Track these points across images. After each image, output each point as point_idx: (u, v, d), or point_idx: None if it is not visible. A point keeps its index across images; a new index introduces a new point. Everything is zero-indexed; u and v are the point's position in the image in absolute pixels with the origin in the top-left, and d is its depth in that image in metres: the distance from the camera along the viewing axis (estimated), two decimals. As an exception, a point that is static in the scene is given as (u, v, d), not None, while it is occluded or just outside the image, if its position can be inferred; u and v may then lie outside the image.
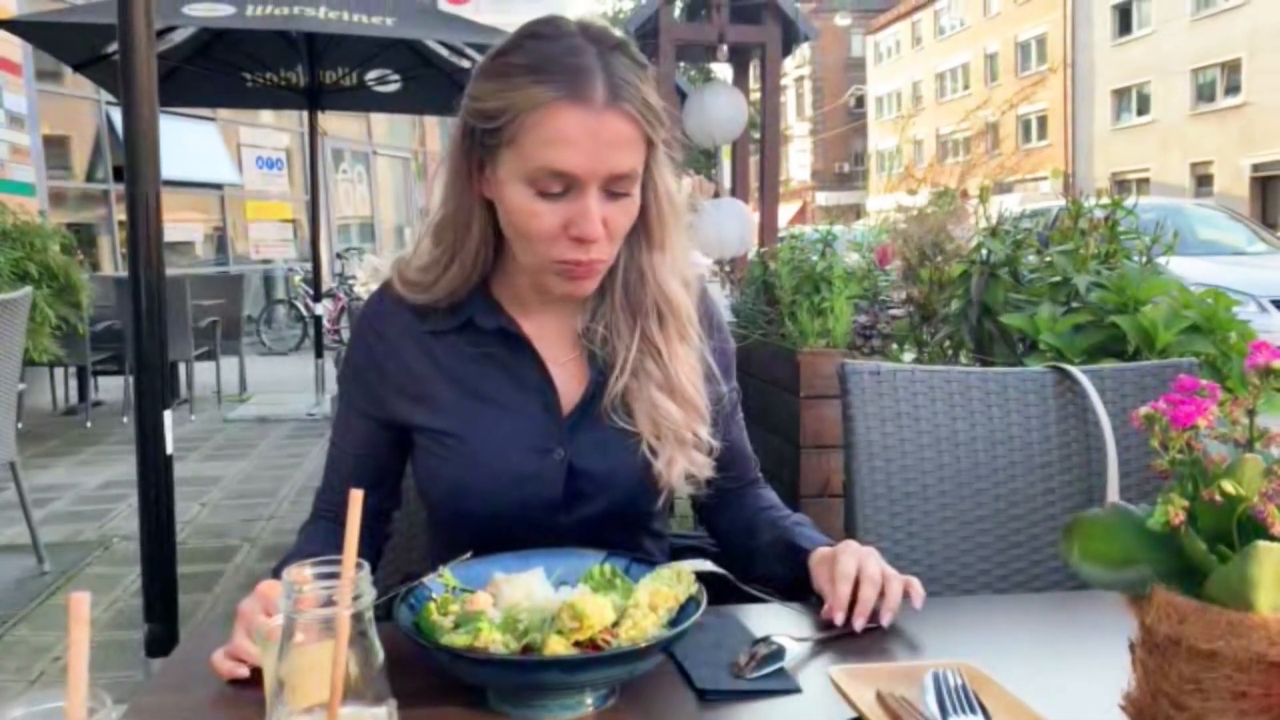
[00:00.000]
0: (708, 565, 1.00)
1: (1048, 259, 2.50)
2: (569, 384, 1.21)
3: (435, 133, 18.72)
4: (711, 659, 0.94)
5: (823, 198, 48.33)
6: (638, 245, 1.19)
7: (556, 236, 1.09)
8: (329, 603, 0.67)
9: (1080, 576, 0.76)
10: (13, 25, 6.03)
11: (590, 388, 1.20)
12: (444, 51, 6.13)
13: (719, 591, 1.02)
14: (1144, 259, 2.48)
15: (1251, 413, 0.73)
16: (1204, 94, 27.52)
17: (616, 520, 1.20)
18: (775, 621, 1.06)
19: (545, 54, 1.08)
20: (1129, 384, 1.48)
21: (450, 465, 1.17)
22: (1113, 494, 1.38)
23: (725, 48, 4.79)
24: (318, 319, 7.85)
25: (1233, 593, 0.67)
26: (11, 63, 8.27)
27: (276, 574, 1.03)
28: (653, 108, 1.11)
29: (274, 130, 14.40)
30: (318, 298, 7.94)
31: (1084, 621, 1.08)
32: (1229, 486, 0.69)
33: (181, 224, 12.57)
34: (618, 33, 1.14)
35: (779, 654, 0.94)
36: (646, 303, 1.19)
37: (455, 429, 1.17)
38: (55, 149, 10.33)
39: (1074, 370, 1.48)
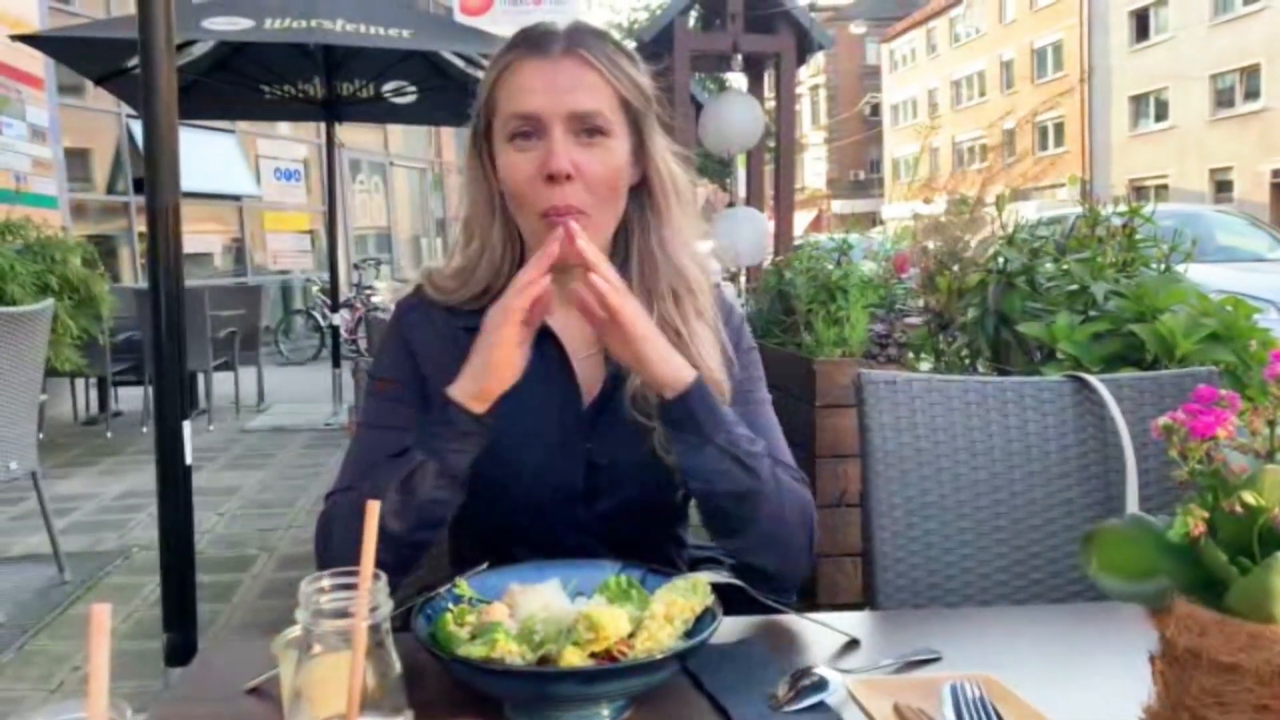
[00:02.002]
0: (724, 576, 1.00)
1: (1065, 267, 2.48)
2: (590, 378, 1.22)
3: (451, 144, 18.81)
4: (747, 692, 0.91)
5: (838, 206, 48.24)
6: (647, 226, 1.23)
7: (533, 181, 1.14)
8: (346, 614, 0.67)
9: (1099, 588, 0.75)
10: (35, 40, 6.10)
11: (610, 381, 1.21)
12: (460, 63, 6.17)
13: (736, 603, 1.01)
14: (1162, 266, 2.46)
15: (1272, 423, 0.73)
16: (1223, 100, 27.33)
17: (637, 515, 1.21)
18: (806, 645, 1.05)
19: (520, 34, 1.19)
20: (1148, 393, 1.47)
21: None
22: (1132, 505, 1.37)
23: (740, 57, 4.80)
24: (335, 329, 7.89)
25: (1254, 605, 0.66)
26: (34, 77, 8.36)
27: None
28: (623, 68, 1.18)
29: (292, 142, 14.50)
30: (335, 308, 7.99)
31: (1103, 633, 1.07)
32: (1249, 498, 0.69)
33: (200, 235, 12.67)
34: (605, 30, 1.23)
35: (820, 686, 0.91)
36: (661, 285, 1.21)
37: None
38: (77, 162, 10.44)
39: (1092, 379, 1.47)
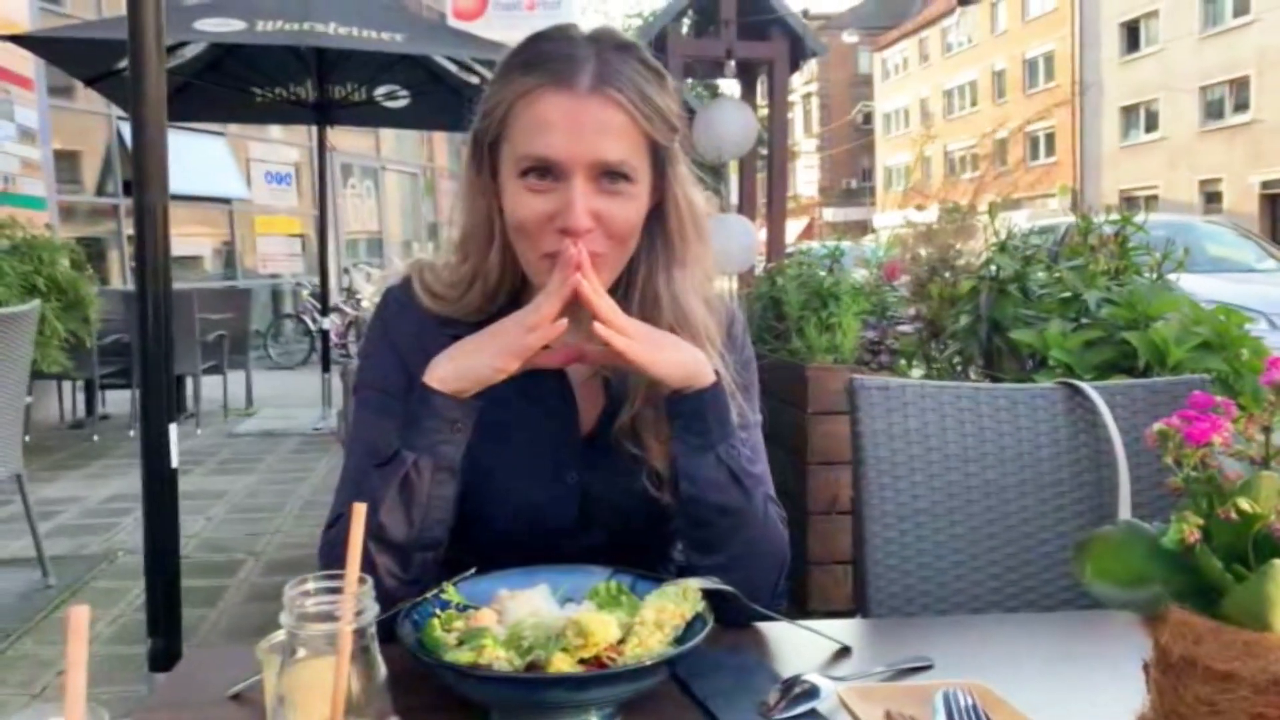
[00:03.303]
0: (715, 583, 0.99)
1: (1057, 275, 2.49)
2: (588, 405, 1.18)
3: (444, 148, 18.83)
4: (737, 699, 0.90)
5: (830, 214, 48.38)
6: (656, 261, 1.15)
7: (543, 228, 1.07)
8: (331, 618, 0.66)
9: (1093, 595, 0.75)
10: (25, 40, 6.07)
11: (606, 412, 1.17)
12: (453, 67, 6.16)
13: (727, 610, 1.00)
14: (1154, 275, 2.47)
15: (1268, 430, 0.72)
16: (1212, 111, 27.52)
17: (629, 547, 1.16)
18: (797, 652, 1.04)
19: (542, 50, 1.09)
20: (1140, 401, 1.47)
21: (461, 478, 1.12)
22: (1125, 512, 1.37)
23: (733, 64, 4.81)
24: (325, 333, 7.87)
25: (1249, 613, 0.66)
26: (24, 77, 8.32)
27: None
28: (654, 103, 1.08)
29: (283, 145, 14.48)
30: (325, 312, 7.97)
31: (1097, 641, 1.06)
32: (1245, 504, 0.68)
33: (190, 238, 12.65)
34: (629, 38, 1.13)
35: (812, 693, 0.90)
36: (661, 325, 1.12)
37: (470, 445, 1.11)
38: (66, 163, 10.41)
39: (1085, 386, 1.47)
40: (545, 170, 1.05)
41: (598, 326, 1.02)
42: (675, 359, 1.07)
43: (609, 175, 1.06)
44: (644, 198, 1.11)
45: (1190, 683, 0.69)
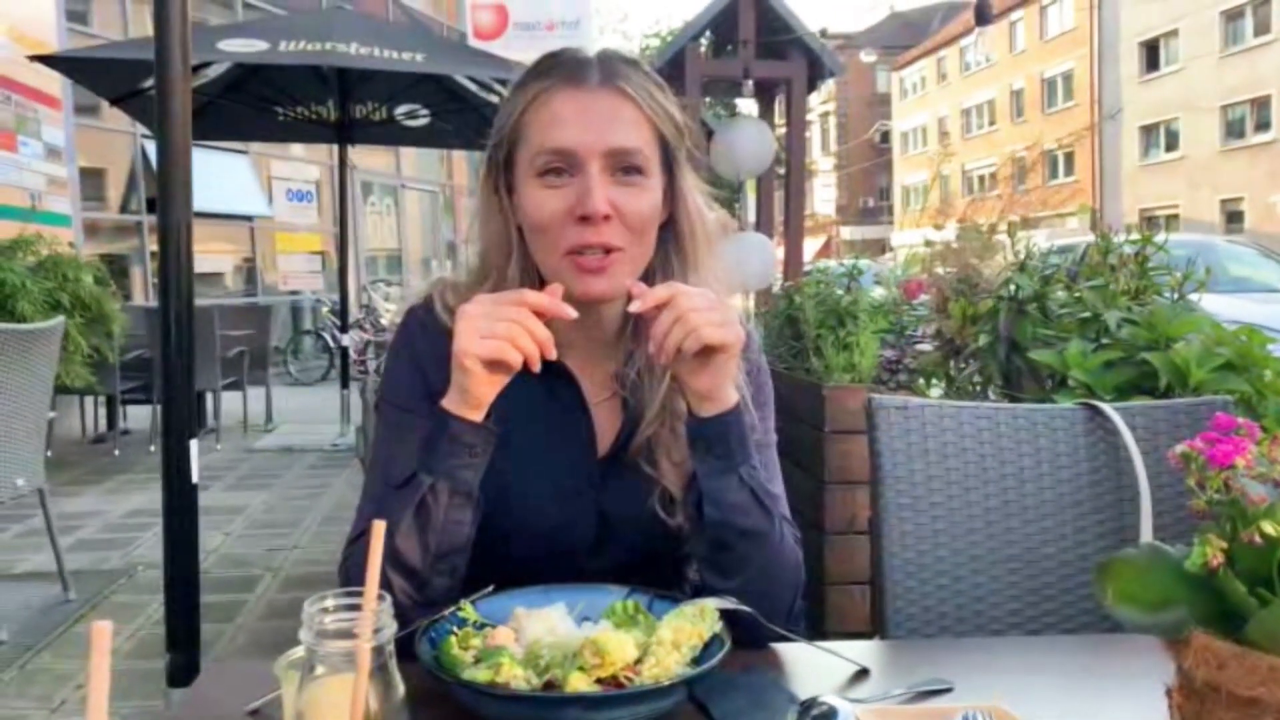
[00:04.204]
0: (732, 603, 0.98)
1: (1077, 294, 2.47)
2: (605, 425, 1.19)
3: (463, 167, 18.95)
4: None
5: (847, 232, 48.37)
6: (670, 269, 1.17)
7: (564, 222, 1.08)
8: (350, 635, 0.66)
9: (1115, 619, 0.74)
10: (53, 60, 6.16)
11: (623, 433, 1.18)
12: (473, 87, 6.20)
13: (745, 631, 0.99)
14: (1175, 295, 2.45)
15: (1292, 452, 0.71)
16: (1234, 130, 27.39)
17: (646, 566, 1.16)
18: (815, 674, 1.04)
19: (550, 61, 1.13)
20: (1161, 422, 1.46)
21: (481, 499, 1.12)
22: (1146, 534, 1.35)
23: (750, 83, 4.82)
24: (344, 350, 7.91)
25: (1274, 637, 0.65)
26: (51, 96, 8.44)
27: None
28: (660, 102, 1.12)
29: (304, 163, 14.61)
30: (344, 329, 8.01)
31: (1118, 665, 1.05)
32: (1269, 528, 0.67)
33: (212, 255, 12.77)
34: (636, 58, 1.17)
35: (830, 715, 0.88)
36: None
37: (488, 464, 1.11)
38: (91, 181, 10.53)
39: (1105, 407, 1.46)
40: (561, 167, 1.08)
41: (671, 324, 1.02)
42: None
43: (623, 168, 1.09)
44: (658, 193, 1.13)
45: (1214, 708, 0.69)
